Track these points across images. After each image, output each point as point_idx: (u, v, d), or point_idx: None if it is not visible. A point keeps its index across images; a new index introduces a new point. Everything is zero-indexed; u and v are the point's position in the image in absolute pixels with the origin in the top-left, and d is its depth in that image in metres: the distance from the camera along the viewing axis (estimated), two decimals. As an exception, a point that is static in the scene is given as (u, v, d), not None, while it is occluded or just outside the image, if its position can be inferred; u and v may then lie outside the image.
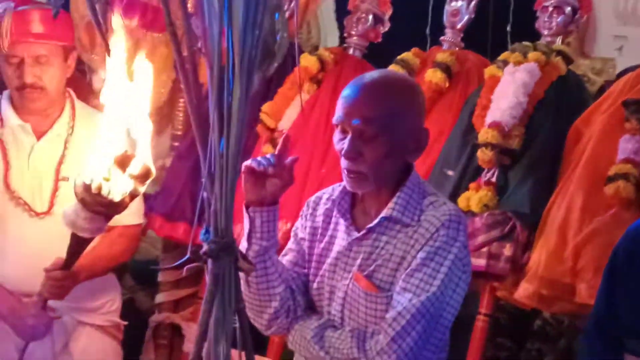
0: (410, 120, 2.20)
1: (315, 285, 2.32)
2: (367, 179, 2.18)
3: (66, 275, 3.01)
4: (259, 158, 2.17)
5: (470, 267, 2.25)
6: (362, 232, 2.23)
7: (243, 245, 2.21)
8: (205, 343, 1.81)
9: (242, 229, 3.40)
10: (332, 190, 2.36)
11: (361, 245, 2.24)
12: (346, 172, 2.20)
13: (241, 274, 2.17)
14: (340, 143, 2.19)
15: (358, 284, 2.21)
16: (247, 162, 2.16)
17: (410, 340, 2.12)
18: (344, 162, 2.19)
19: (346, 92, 2.21)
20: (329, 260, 2.29)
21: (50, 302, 3.12)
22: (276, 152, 2.18)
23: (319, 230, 2.33)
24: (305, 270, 2.34)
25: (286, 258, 2.37)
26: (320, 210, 2.35)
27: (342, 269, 2.26)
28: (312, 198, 2.41)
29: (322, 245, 2.32)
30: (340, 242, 2.28)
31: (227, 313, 1.80)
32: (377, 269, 2.20)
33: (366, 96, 2.17)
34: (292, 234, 2.41)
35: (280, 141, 2.19)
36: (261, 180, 2.17)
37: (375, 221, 2.22)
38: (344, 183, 2.26)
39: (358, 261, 2.23)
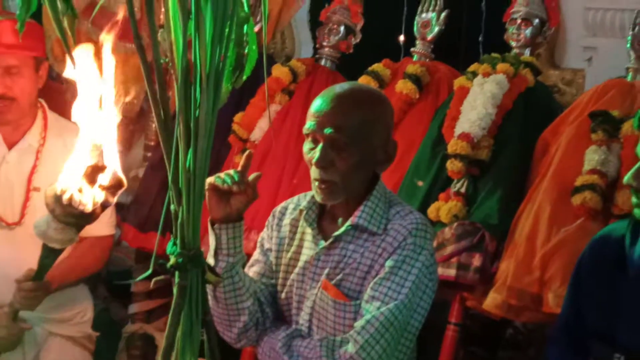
0: (380, 131, 2.23)
1: (283, 295, 2.33)
2: (337, 189, 2.20)
3: (37, 286, 3.00)
4: (222, 175, 2.18)
5: (437, 274, 2.28)
6: (329, 241, 2.25)
7: (210, 262, 2.21)
8: (173, 354, 1.81)
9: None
10: (298, 200, 2.38)
11: (329, 255, 2.25)
12: (317, 183, 2.21)
13: (209, 290, 2.19)
14: (310, 152, 2.21)
15: (327, 292, 2.22)
16: (211, 180, 2.17)
17: (379, 348, 2.13)
18: (314, 172, 2.20)
19: (317, 102, 2.22)
20: (296, 270, 2.30)
21: (21, 313, 3.11)
22: (239, 169, 2.18)
23: (286, 240, 2.35)
24: (273, 281, 2.36)
25: (253, 269, 2.38)
26: (287, 220, 2.37)
27: (310, 278, 2.27)
28: (278, 208, 2.42)
29: (289, 255, 2.33)
30: (308, 251, 2.30)
31: (195, 325, 1.81)
32: (345, 277, 2.22)
33: (338, 106, 2.19)
34: (258, 244, 2.42)
35: (243, 157, 2.20)
36: (225, 197, 2.18)
37: (342, 229, 2.24)
38: (312, 193, 2.28)
39: (326, 270, 2.24)
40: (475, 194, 3.10)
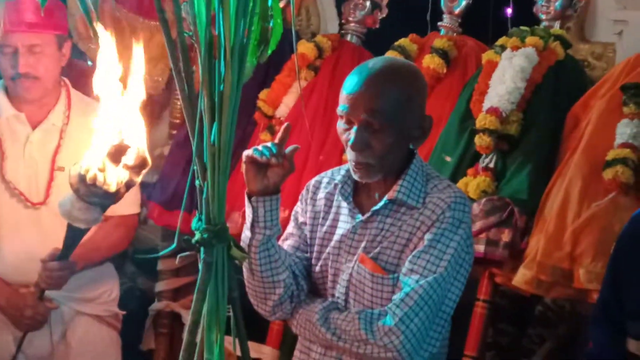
0: (414, 109, 2.20)
1: (318, 268, 2.32)
2: (374, 170, 2.19)
3: (63, 266, 3.00)
4: (260, 147, 2.16)
5: (473, 248, 2.27)
6: (367, 215, 2.24)
7: (246, 235, 2.21)
8: (199, 331, 1.81)
9: (240, 216, 3.43)
10: (332, 174, 2.37)
11: (366, 228, 2.24)
12: (354, 164, 2.20)
13: (244, 263, 2.19)
14: (345, 134, 2.19)
15: (364, 265, 2.22)
16: (249, 152, 2.15)
17: (418, 320, 2.13)
18: (350, 154, 2.19)
19: (350, 82, 2.19)
20: (332, 244, 2.29)
21: (48, 292, 3.12)
22: (277, 141, 2.16)
23: (321, 214, 2.34)
24: (307, 255, 2.35)
25: (287, 242, 2.38)
26: (321, 194, 2.36)
27: (346, 251, 2.27)
28: (312, 182, 2.41)
29: (324, 228, 2.32)
30: (344, 225, 2.29)
31: (220, 301, 1.80)
32: (383, 251, 2.21)
33: (371, 88, 2.16)
34: (292, 217, 2.42)
35: (281, 129, 2.18)
36: (263, 170, 2.16)
37: (380, 203, 2.23)
38: (346, 167, 2.27)
39: (363, 243, 2.24)
40: (504, 169, 3.07)
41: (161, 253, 2.01)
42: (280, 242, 2.36)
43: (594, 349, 2.38)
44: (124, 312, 3.52)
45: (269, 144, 2.16)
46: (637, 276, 2.24)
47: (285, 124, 2.20)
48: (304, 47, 3.65)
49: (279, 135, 2.17)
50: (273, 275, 2.24)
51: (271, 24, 1.92)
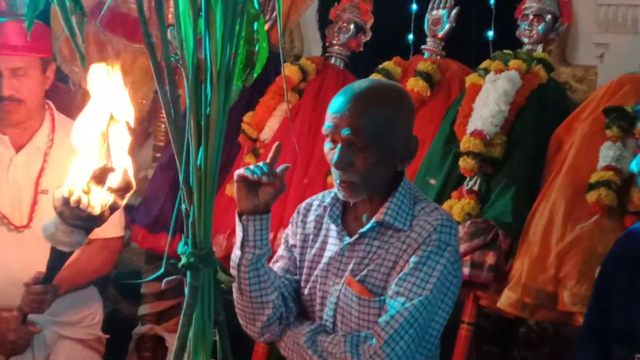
0: (400, 129, 2.21)
1: (307, 291, 2.33)
2: (358, 188, 2.20)
3: (46, 289, 2.98)
4: (251, 167, 2.17)
5: (461, 271, 2.27)
6: (354, 237, 2.24)
7: (236, 254, 2.22)
8: (185, 355, 1.80)
9: (224, 239, 3.42)
10: (323, 197, 2.38)
11: (353, 251, 2.25)
12: (338, 182, 2.21)
13: (234, 284, 2.19)
14: (330, 153, 2.20)
15: (351, 288, 2.22)
16: (240, 171, 2.16)
17: (403, 343, 2.13)
18: (335, 173, 2.20)
19: (335, 102, 2.20)
20: (320, 266, 2.30)
21: (31, 316, 3.09)
22: (268, 160, 2.17)
23: (310, 237, 2.35)
24: (297, 277, 2.36)
25: (277, 265, 2.38)
26: (311, 216, 2.37)
27: (334, 274, 2.27)
28: (303, 204, 2.42)
29: (313, 251, 2.33)
30: (332, 247, 2.29)
31: (207, 325, 1.79)
32: (370, 273, 2.21)
33: (355, 106, 2.17)
34: (282, 240, 2.42)
35: (272, 149, 2.19)
36: (254, 189, 2.17)
37: (368, 226, 2.23)
38: (335, 191, 2.27)
39: (350, 266, 2.24)
40: (488, 192, 3.08)
41: (149, 278, 1.99)
42: (270, 265, 2.36)
43: None
44: (107, 336, 3.50)
45: (260, 164, 2.17)
46: (623, 298, 2.24)
47: (276, 144, 2.20)
48: (288, 70, 3.65)
49: (270, 154, 2.18)
50: (262, 295, 2.24)
51: (257, 48, 1.92)
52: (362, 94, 2.19)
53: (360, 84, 2.24)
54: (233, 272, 2.21)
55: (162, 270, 1.84)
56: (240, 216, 2.20)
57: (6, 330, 3.13)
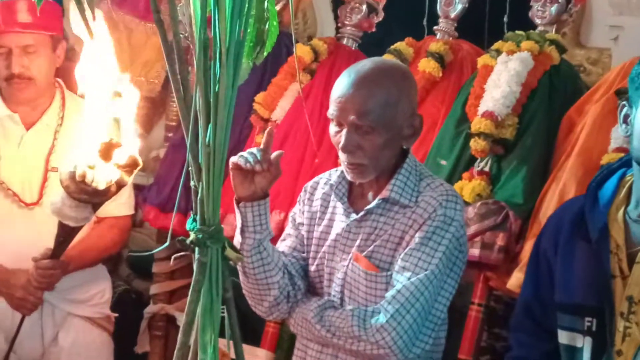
0: (404, 108, 2.22)
1: (314, 267, 2.36)
2: (367, 170, 2.23)
3: (55, 264, 2.99)
4: (244, 154, 2.18)
5: (467, 246, 2.30)
6: (360, 214, 2.27)
7: (237, 240, 2.24)
8: (193, 332, 1.81)
9: (235, 218, 3.43)
10: (330, 175, 2.40)
11: (360, 227, 2.27)
12: (346, 165, 2.23)
13: (238, 266, 2.20)
14: (337, 136, 2.23)
15: (358, 264, 2.25)
16: (234, 159, 2.17)
17: (410, 317, 2.16)
18: (342, 156, 2.22)
19: (338, 85, 2.22)
20: (327, 243, 2.33)
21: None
22: (262, 146, 2.18)
23: (317, 214, 2.37)
24: (304, 254, 2.38)
25: (285, 243, 2.41)
26: (318, 194, 2.39)
27: (341, 250, 2.30)
28: (310, 183, 2.45)
29: (320, 228, 2.36)
30: (339, 224, 2.32)
31: (215, 302, 1.80)
32: (376, 249, 2.24)
33: (359, 91, 2.18)
34: (289, 219, 2.46)
35: (265, 134, 2.20)
36: (249, 176, 2.18)
37: (374, 203, 2.26)
38: (342, 168, 2.28)
39: (357, 242, 2.27)
40: (499, 173, 3.06)
41: (154, 251, 2.00)
42: (278, 243, 2.41)
43: (517, 351, 2.36)
44: (116, 315, 3.51)
45: (253, 150, 2.18)
46: (563, 266, 2.23)
47: (269, 129, 2.21)
48: (301, 51, 3.64)
49: (263, 140, 2.19)
50: (267, 277, 2.27)
51: (267, 26, 1.93)
52: (365, 76, 2.21)
53: (362, 66, 2.25)
54: None
55: (167, 244, 1.85)
56: (237, 203, 2.21)
57: (14, 285, 3.13)
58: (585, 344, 2.11)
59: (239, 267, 2.27)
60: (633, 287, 2.04)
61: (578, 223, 2.20)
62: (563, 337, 2.18)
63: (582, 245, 2.17)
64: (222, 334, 1.83)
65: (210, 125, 1.77)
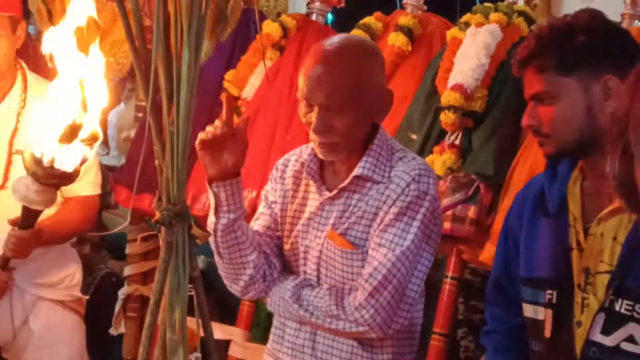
0: (373, 85, 2.22)
1: (288, 246, 2.34)
2: (339, 148, 2.22)
3: (29, 233, 2.93)
4: (207, 127, 2.17)
5: (441, 219, 2.30)
6: (334, 192, 2.26)
7: (211, 220, 2.23)
8: (161, 311, 1.80)
9: (207, 198, 3.42)
10: (300, 152, 2.39)
11: (333, 205, 2.26)
12: (317, 144, 2.22)
13: (213, 246, 2.19)
14: (307, 116, 2.22)
15: (333, 241, 2.24)
16: (199, 137, 2.16)
17: (387, 294, 2.16)
18: (314, 136, 2.20)
19: (307, 65, 2.21)
20: (301, 221, 2.32)
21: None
22: (223, 115, 2.18)
23: (290, 192, 2.36)
24: (278, 233, 2.37)
25: (258, 222, 2.39)
26: (289, 172, 2.37)
27: (315, 228, 2.29)
28: (281, 160, 2.43)
29: (293, 207, 2.34)
30: (312, 202, 2.31)
31: (182, 281, 1.79)
32: (351, 226, 2.23)
33: (328, 70, 2.17)
34: (262, 197, 2.44)
35: (224, 103, 2.18)
36: (218, 153, 2.16)
37: (347, 181, 2.24)
38: (312, 145, 2.28)
39: (331, 220, 2.26)
40: (469, 146, 3.07)
41: (114, 231, 1.99)
42: (252, 222, 2.38)
43: (491, 325, 2.38)
44: (87, 297, 3.49)
45: (215, 122, 2.17)
46: (526, 242, 2.24)
47: (224, 95, 2.20)
48: (269, 27, 3.62)
49: (223, 109, 2.18)
50: (241, 256, 2.26)
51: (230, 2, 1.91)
52: (334, 55, 2.20)
53: (330, 44, 2.24)
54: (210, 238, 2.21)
55: (125, 224, 1.83)
56: (210, 183, 2.20)
57: None
58: (546, 316, 2.13)
59: (213, 247, 2.26)
60: (589, 259, 2.06)
61: (540, 199, 2.21)
62: (527, 310, 2.20)
63: (543, 220, 2.18)
64: (190, 311, 1.82)
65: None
